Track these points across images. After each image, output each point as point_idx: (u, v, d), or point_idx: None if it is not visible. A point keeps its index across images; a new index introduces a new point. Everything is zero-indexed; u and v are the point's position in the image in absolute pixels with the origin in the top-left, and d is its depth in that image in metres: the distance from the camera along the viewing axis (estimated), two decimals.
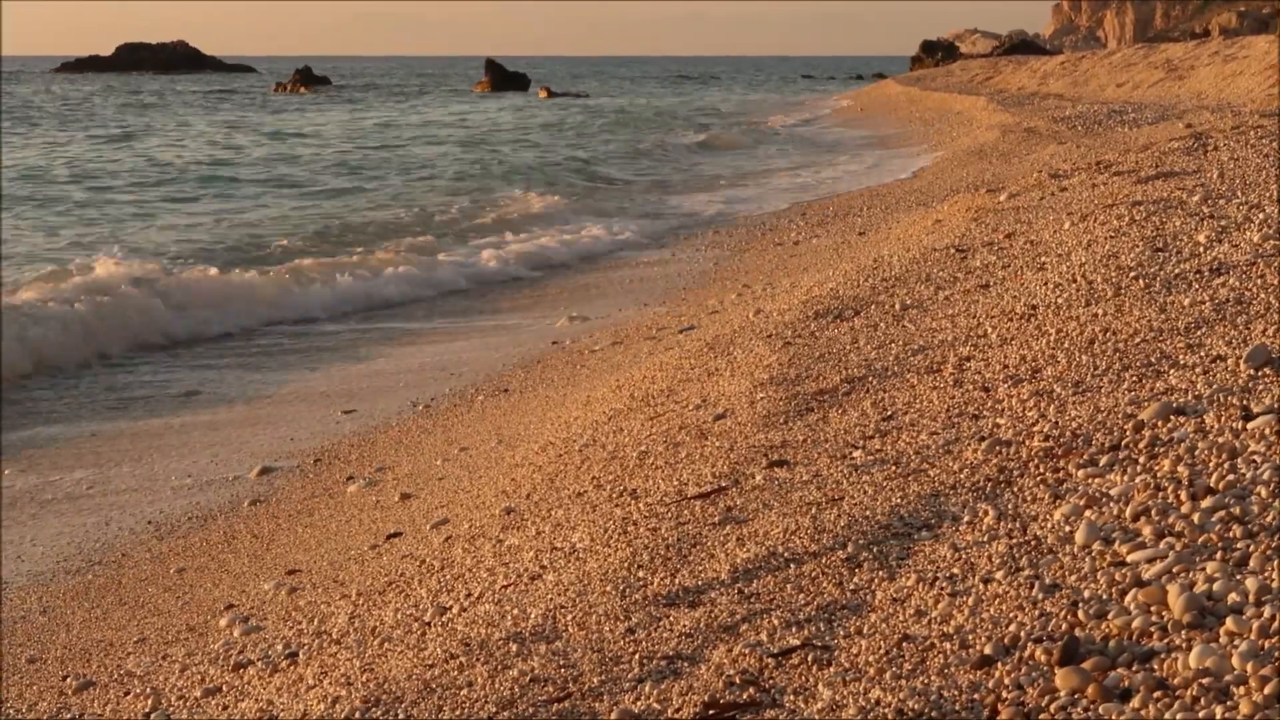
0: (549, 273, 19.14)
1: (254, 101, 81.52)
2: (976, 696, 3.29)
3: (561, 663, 4.04)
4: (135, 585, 7.39)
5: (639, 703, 3.68)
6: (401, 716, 3.98)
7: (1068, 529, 4.15)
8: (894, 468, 5.15)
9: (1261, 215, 8.37)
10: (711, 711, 3.53)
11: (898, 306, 8.26)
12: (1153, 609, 3.49)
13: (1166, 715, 3.00)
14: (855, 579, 4.19)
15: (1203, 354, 5.66)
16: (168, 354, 14.26)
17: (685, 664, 3.86)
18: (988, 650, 3.49)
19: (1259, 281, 6.65)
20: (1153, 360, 5.74)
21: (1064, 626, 3.53)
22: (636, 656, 3.97)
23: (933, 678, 3.44)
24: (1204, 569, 3.62)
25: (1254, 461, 4.31)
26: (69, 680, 6.01)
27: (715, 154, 40.32)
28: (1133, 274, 7.35)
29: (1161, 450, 4.62)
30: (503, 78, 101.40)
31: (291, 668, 5.17)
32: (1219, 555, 3.70)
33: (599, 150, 40.60)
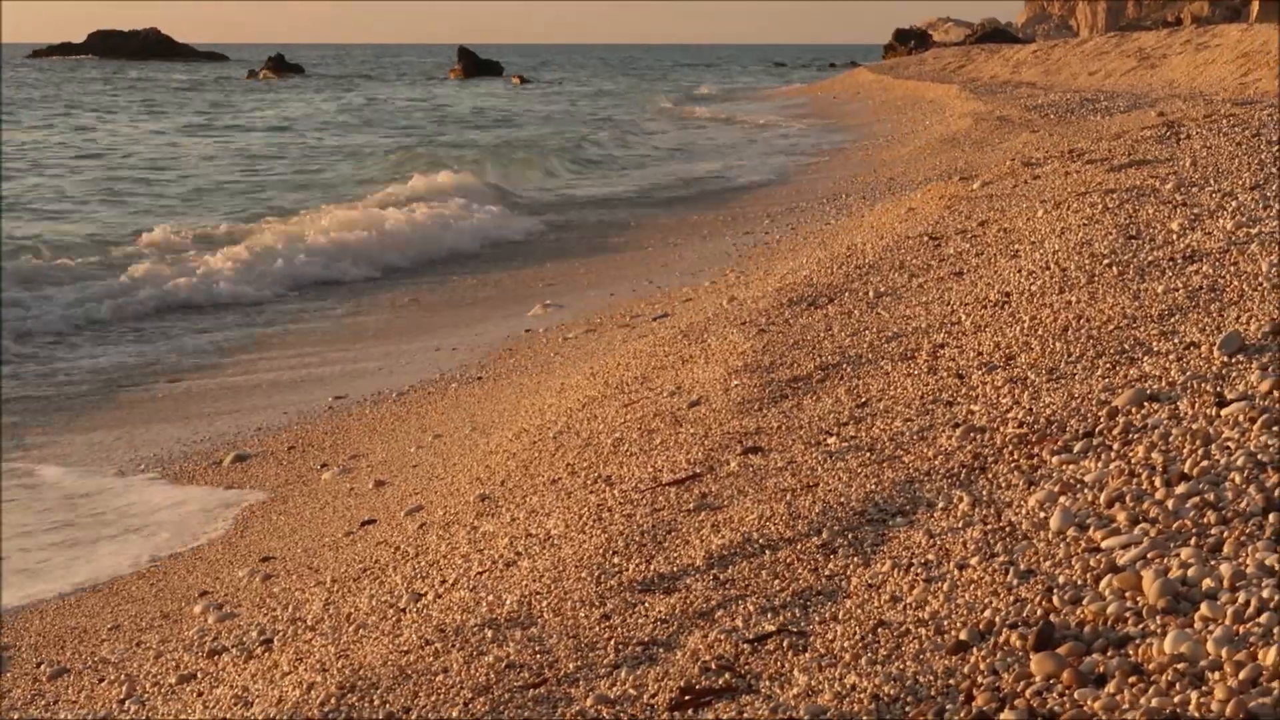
0: None
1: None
2: (952, 682, 3.30)
3: (537, 649, 4.03)
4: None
5: (614, 689, 3.68)
6: (377, 702, 3.97)
7: (1042, 515, 4.16)
8: (868, 454, 5.16)
9: (1234, 203, 8.39)
10: (687, 697, 3.53)
11: (871, 294, 8.26)
12: (1127, 595, 3.50)
13: (1141, 700, 3.01)
14: (830, 565, 4.19)
15: (1176, 341, 5.68)
16: None
17: (661, 650, 3.86)
18: (963, 636, 3.49)
19: (1232, 269, 6.67)
20: (1126, 347, 5.75)
21: (1039, 612, 3.54)
22: (612, 643, 3.97)
23: (908, 663, 3.44)
24: (1178, 555, 3.63)
25: (1228, 448, 4.33)
26: (43, 667, 6.00)
27: None
28: (1106, 261, 7.37)
29: (1136, 437, 4.64)
30: (475, 65, 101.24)
31: (266, 654, 5.16)
32: (1193, 541, 3.72)
33: None
